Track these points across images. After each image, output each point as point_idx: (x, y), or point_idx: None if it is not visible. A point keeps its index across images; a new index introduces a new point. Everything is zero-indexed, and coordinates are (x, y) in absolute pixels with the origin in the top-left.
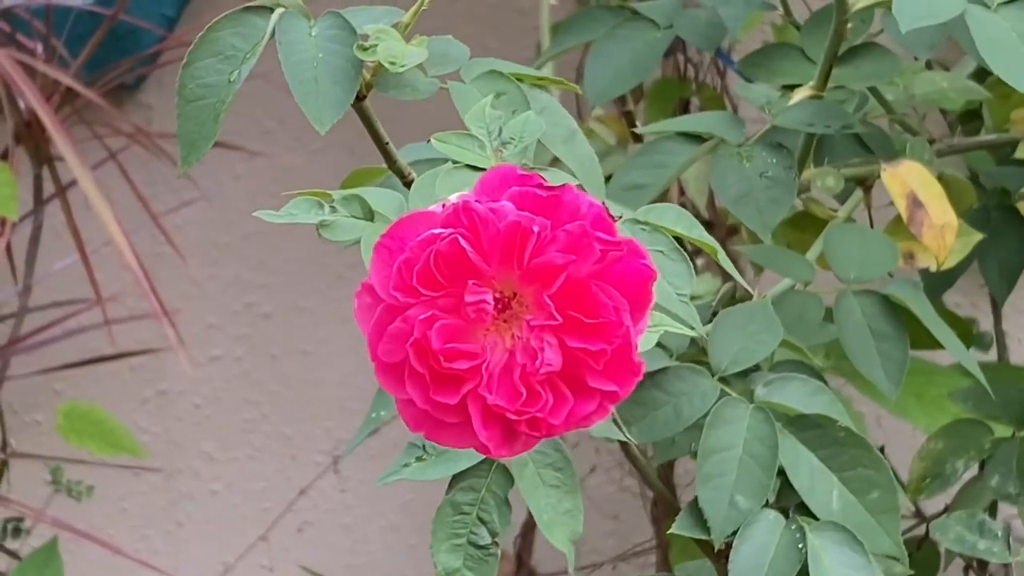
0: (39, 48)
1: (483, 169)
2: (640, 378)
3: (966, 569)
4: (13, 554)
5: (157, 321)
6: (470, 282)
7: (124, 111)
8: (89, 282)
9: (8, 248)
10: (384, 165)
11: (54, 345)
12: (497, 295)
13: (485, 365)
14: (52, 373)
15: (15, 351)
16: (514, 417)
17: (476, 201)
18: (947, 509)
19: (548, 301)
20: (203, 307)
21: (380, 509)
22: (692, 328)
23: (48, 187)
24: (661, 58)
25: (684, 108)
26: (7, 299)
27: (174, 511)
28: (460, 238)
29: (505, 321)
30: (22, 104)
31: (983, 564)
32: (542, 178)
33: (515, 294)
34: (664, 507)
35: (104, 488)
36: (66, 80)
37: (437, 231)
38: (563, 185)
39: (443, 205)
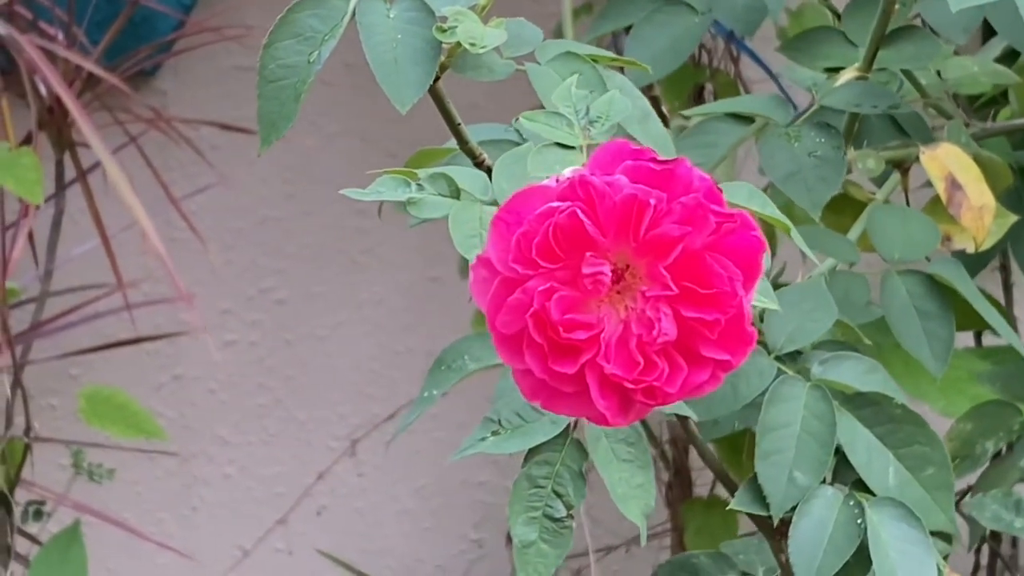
0: (60, 35)
1: (571, 147)
2: (753, 347)
3: (979, 546)
4: (32, 538)
5: (172, 306)
6: (587, 254)
7: (140, 97)
8: (106, 267)
9: (29, 233)
10: (445, 145)
11: (71, 330)
12: (612, 267)
13: (602, 335)
14: (68, 358)
15: (37, 335)
16: (631, 386)
17: (591, 175)
18: (970, 489)
19: (664, 272)
20: (218, 292)
21: (395, 494)
22: (771, 303)
23: (67, 173)
24: (699, 42)
25: (699, 94)
26: (28, 284)
27: (189, 495)
28: (578, 211)
29: (619, 292)
30: (44, 90)
31: (996, 537)
32: (654, 153)
33: (628, 265)
34: (679, 489)
35: (119, 472)
36: (89, 66)
37: (555, 204)
38: (676, 159)
39: (556, 179)
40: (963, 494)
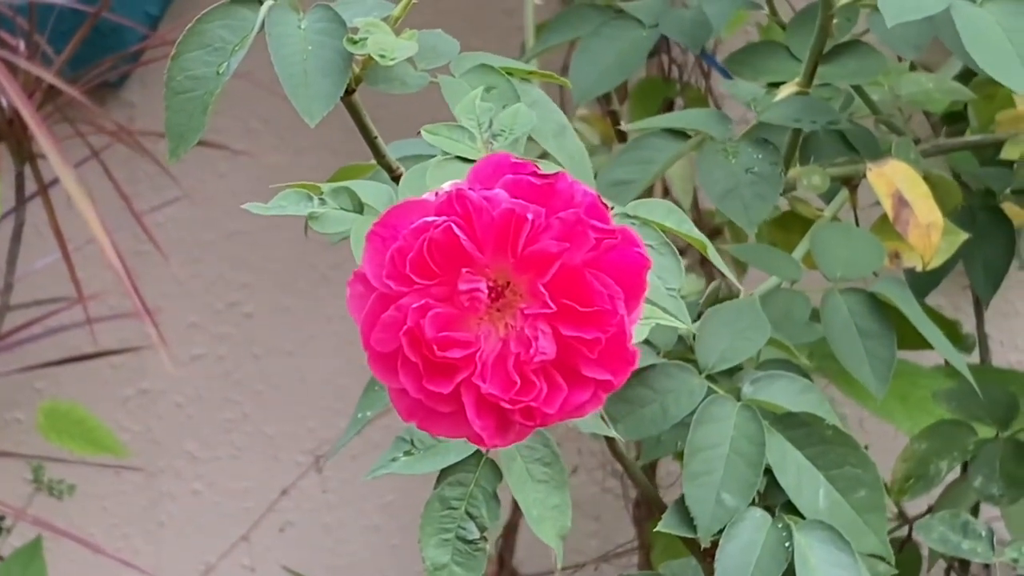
0: (21, 45)
1: (473, 161)
2: (634, 367)
3: (947, 570)
4: None
5: (138, 320)
6: (464, 270)
7: (106, 109)
8: (70, 280)
9: None
10: (371, 161)
11: (35, 343)
12: (491, 284)
13: (479, 354)
14: (33, 371)
15: None
16: (508, 406)
17: (469, 189)
18: (930, 510)
19: (542, 289)
20: (185, 306)
21: (362, 509)
22: (682, 322)
23: (30, 185)
24: (646, 57)
25: (668, 108)
26: None
27: (155, 511)
28: (454, 226)
29: (498, 310)
30: (4, 101)
31: (964, 564)
32: (536, 166)
33: (508, 283)
34: (646, 508)
35: (85, 487)
36: (48, 77)
37: (431, 219)
38: (557, 173)
39: (436, 193)
40: (921, 516)
